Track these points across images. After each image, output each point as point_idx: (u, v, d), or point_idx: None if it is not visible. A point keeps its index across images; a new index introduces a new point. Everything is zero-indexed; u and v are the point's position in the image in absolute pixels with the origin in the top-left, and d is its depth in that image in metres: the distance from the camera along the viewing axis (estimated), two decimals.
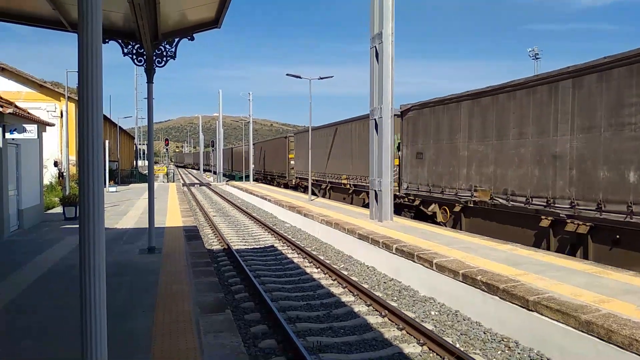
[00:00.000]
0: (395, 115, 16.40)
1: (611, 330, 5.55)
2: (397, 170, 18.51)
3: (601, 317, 5.92)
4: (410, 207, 18.07)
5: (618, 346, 5.45)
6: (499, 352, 6.75)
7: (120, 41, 9.76)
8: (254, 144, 50.55)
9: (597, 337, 5.71)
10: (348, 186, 24.62)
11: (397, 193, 18.45)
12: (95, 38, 2.73)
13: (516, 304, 7.03)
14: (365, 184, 20.46)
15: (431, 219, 16.75)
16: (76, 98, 28.61)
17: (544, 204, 11.52)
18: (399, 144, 18.88)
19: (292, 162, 36.48)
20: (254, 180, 46.58)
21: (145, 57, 9.94)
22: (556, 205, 11.17)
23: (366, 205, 20.21)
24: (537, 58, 51.57)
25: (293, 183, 36.23)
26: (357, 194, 23.85)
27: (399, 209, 18.61)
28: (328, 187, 27.98)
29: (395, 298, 9.40)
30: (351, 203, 23.87)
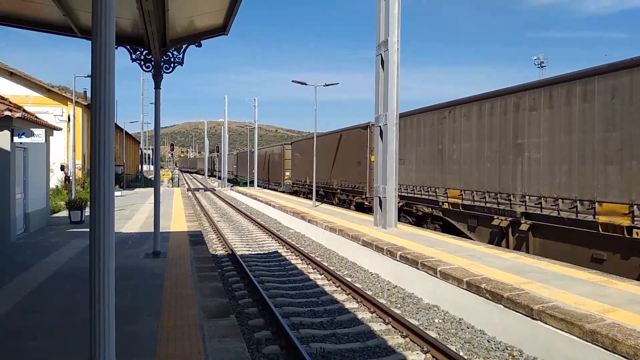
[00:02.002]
0: None
1: (616, 340, 5.53)
2: None
3: (606, 326, 5.90)
4: None
5: (623, 356, 5.43)
6: None
7: (128, 47, 9.88)
8: (290, 143, 40.37)
9: (602, 347, 5.69)
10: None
11: None
12: (108, 45, 2.79)
13: (520, 313, 7.02)
14: None
15: None
16: (83, 103, 28.91)
17: None
18: None
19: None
20: (290, 193, 36.53)
21: (153, 63, 10.05)
22: None
23: None
24: (542, 66, 51.69)
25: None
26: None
27: None
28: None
29: (399, 305, 9.40)
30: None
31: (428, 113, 17.52)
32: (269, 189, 42.68)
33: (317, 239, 17.11)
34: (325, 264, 12.85)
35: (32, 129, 12.87)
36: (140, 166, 64.19)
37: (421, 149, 17.67)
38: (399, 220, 15.93)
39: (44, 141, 13.68)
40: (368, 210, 21.89)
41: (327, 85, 25.19)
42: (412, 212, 18.57)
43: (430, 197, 16.74)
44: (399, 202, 18.09)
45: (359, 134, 23.64)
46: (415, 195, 18.08)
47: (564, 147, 11.49)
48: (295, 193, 36.15)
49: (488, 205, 13.85)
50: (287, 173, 39.26)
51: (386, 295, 10.09)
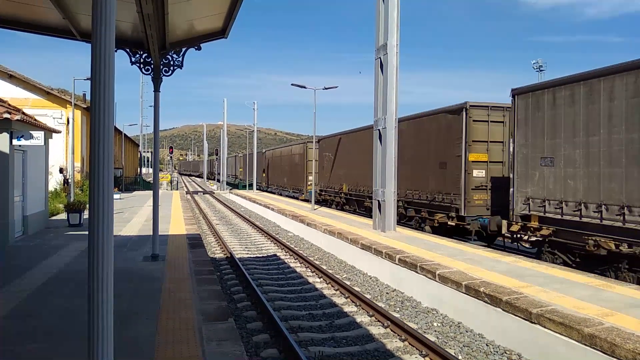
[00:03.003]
0: None
1: (614, 344, 5.53)
2: None
3: (604, 330, 5.90)
4: None
5: None
6: None
7: (128, 50, 9.89)
8: (317, 141, 30.28)
9: (601, 351, 5.68)
10: None
11: None
12: (108, 48, 2.80)
13: (519, 316, 7.02)
14: None
15: None
16: (82, 105, 28.90)
17: None
18: None
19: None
20: (316, 203, 26.64)
21: (152, 66, 10.06)
22: None
23: None
24: (541, 70, 51.75)
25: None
26: None
27: None
28: None
29: (398, 309, 9.38)
30: None
31: (619, 76, 9.82)
32: (286, 196, 36.34)
33: (316, 242, 17.09)
34: (324, 267, 12.84)
35: (31, 132, 12.86)
36: (139, 169, 64.16)
37: (599, 139, 10.35)
38: (544, 260, 11.49)
39: (42, 144, 13.67)
40: (457, 232, 15.81)
41: (326, 88, 25.24)
42: (574, 246, 11.14)
43: (630, 225, 9.58)
44: (540, 229, 12.09)
45: (445, 122, 16.02)
46: (584, 219, 10.63)
47: None
48: (324, 203, 28.29)
49: None
50: (311, 178, 31.43)
51: (385, 299, 10.08)
